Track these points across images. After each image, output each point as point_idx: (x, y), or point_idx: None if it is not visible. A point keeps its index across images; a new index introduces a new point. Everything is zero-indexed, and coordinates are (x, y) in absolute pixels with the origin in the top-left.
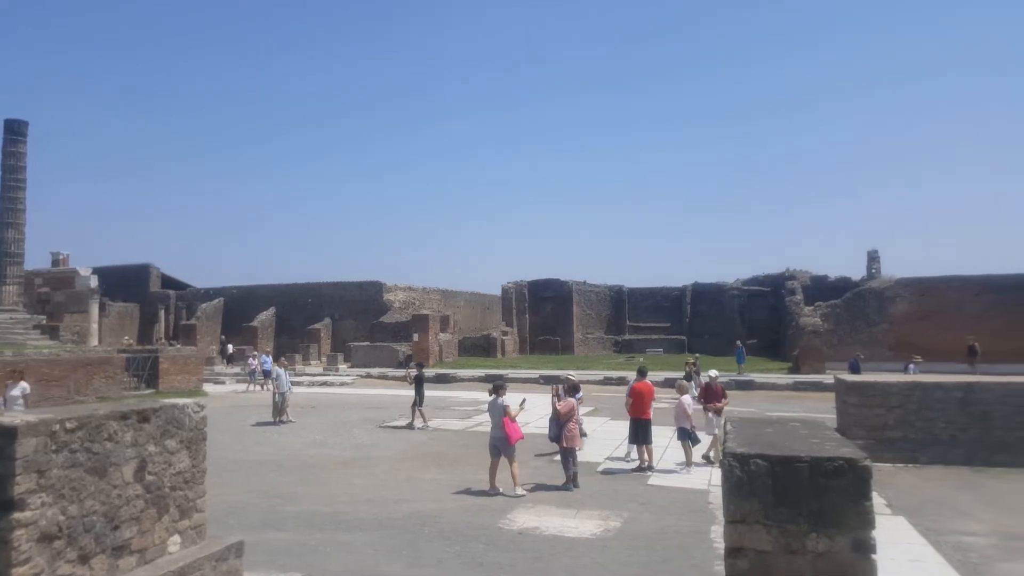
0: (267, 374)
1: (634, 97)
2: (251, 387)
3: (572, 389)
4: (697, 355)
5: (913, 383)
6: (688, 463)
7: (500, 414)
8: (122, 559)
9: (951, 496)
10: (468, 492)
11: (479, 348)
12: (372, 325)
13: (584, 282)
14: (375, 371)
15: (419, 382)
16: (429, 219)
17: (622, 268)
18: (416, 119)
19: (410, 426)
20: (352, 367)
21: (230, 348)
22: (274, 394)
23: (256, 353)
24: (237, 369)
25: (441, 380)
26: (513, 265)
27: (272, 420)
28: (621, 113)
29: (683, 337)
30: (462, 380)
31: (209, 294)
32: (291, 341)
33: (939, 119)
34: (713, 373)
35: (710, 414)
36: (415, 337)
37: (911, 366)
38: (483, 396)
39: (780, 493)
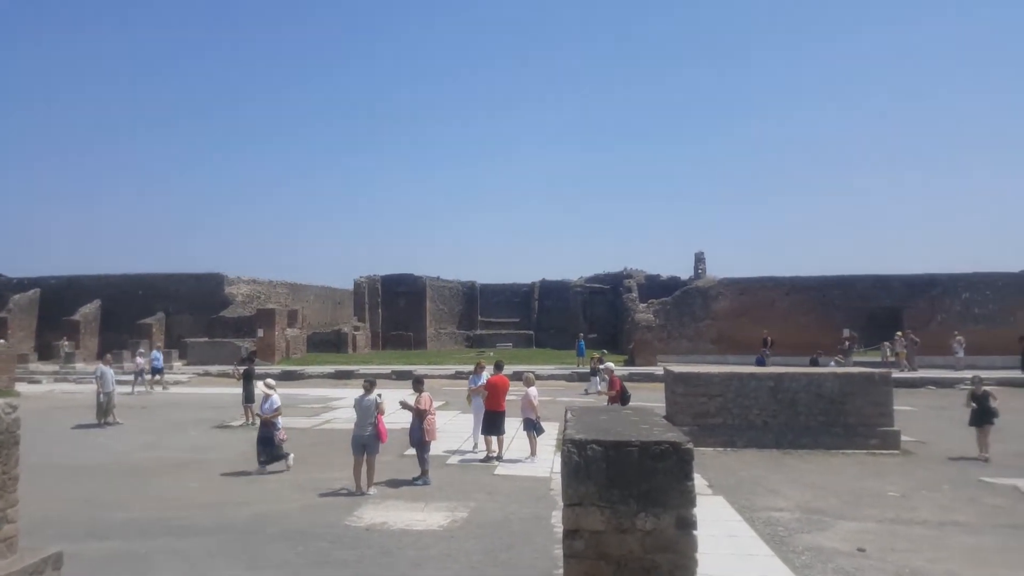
0: (158, 371)
1: (487, 93)
2: (136, 388)
3: (417, 383)
4: (604, 350)
5: (731, 374)
6: (533, 452)
7: (372, 412)
8: None
9: (763, 476)
10: (315, 491)
11: (329, 344)
12: (211, 320)
13: (438, 277)
14: (214, 369)
15: (248, 378)
16: (277, 210)
17: (475, 264)
18: (268, 109)
19: (249, 425)
20: (188, 364)
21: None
22: (98, 394)
23: (143, 351)
24: (55, 367)
25: (288, 377)
26: (366, 259)
27: (96, 422)
28: (476, 111)
29: (531, 332)
30: (311, 377)
31: (23, 284)
32: (119, 337)
33: (756, 132)
34: (609, 366)
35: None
36: (260, 333)
37: (832, 362)
38: (333, 393)
39: (613, 476)
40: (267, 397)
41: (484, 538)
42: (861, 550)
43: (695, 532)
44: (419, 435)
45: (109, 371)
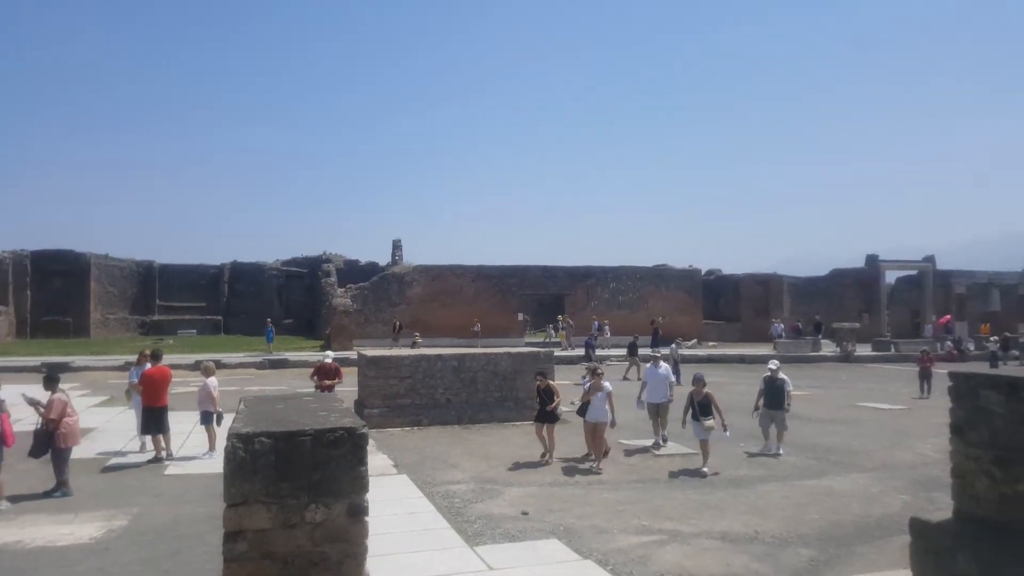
0: None
1: (180, 63)
2: None
3: (50, 380)
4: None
5: (420, 356)
6: (212, 447)
7: None
8: None
9: (445, 451)
10: None
11: None
12: None
13: (106, 255)
14: None
15: None
16: None
17: (154, 242)
18: None
19: None
20: None
21: None
22: None
23: None
24: None
25: None
26: (10, 230)
27: None
28: (161, 77)
29: (220, 318)
30: None
31: None
32: None
33: (449, 126)
34: (330, 354)
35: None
36: None
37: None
38: None
39: (283, 469)
40: None
41: (146, 546)
42: (525, 513)
43: (366, 519)
44: (44, 442)
45: None
